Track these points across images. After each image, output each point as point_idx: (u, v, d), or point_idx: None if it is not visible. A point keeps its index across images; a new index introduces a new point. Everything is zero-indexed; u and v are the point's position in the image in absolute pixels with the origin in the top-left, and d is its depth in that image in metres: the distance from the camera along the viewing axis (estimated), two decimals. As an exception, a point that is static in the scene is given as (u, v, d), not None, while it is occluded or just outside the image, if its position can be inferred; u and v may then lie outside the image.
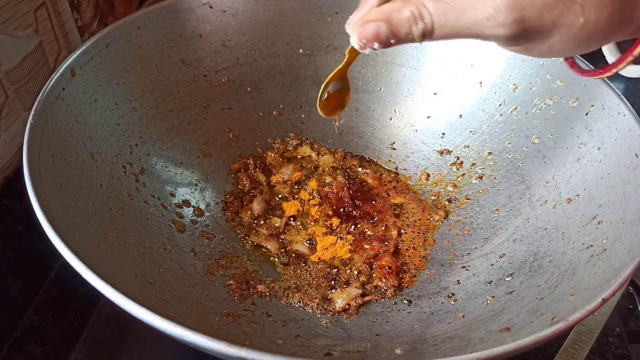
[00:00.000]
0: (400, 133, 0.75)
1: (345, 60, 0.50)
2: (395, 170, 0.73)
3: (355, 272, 0.61)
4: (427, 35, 0.40)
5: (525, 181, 0.63)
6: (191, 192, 0.66)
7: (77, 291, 0.60)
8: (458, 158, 0.70)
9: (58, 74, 0.55)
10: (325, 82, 0.53)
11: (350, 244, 0.64)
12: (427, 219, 0.68)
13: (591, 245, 0.50)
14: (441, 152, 0.72)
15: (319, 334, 0.54)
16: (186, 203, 0.65)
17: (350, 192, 0.68)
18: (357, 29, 0.41)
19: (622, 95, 0.56)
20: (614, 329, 0.58)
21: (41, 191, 0.45)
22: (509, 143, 0.66)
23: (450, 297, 0.57)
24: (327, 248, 0.63)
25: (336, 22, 0.74)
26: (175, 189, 0.65)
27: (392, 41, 0.41)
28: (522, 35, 0.38)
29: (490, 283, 0.56)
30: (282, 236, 0.65)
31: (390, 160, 0.74)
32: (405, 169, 0.73)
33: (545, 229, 0.58)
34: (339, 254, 0.63)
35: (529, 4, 0.37)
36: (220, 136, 0.72)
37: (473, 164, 0.69)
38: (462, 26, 0.38)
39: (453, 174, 0.70)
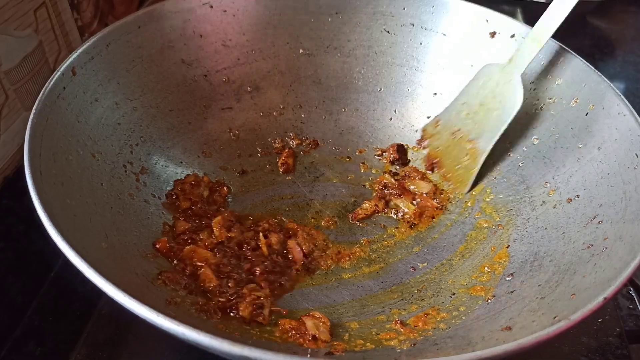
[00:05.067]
0: (400, 133, 0.75)
1: None
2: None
3: None
4: None
5: (525, 181, 0.63)
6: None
7: (77, 291, 0.60)
8: (458, 158, 0.71)
9: (59, 73, 0.55)
10: None
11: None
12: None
13: (592, 245, 0.50)
14: (441, 152, 0.72)
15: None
16: (186, 203, 0.65)
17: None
18: None
19: (622, 95, 0.57)
20: (614, 329, 0.58)
21: (42, 190, 0.45)
22: (509, 143, 0.67)
23: (452, 296, 0.57)
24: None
25: (336, 22, 0.74)
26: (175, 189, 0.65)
27: None
28: None
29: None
30: None
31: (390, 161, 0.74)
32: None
33: (546, 228, 0.58)
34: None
35: None
36: (220, 136, 0.72)
37: (473, 164, 0.69)
38: None
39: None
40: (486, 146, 0.64)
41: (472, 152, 0.64)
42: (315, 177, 0.72)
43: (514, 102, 0.62)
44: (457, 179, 0.67)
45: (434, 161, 0.68)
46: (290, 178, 0.72)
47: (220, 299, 0.54)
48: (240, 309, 0.53)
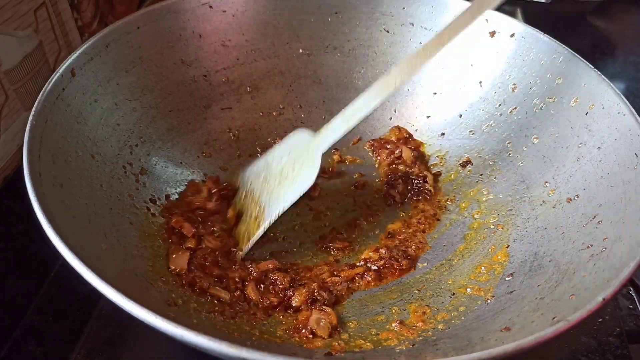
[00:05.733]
0: (400, 133, 0.75)
1: None
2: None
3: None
4: None
5: (525, 181, 0.63)
6: (191, 192, 0.66)
7: (77, 291, 0.60)
8: (458, 158, 0.70)
9: (58, 74, 0.55)
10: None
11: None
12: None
13: (591, 245, 0.50)
14: (440, 152, 0.72)
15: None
16: (186, 203, 0.65)
17: None
18: None
19: (622, 95, 0.56)
20: (614, 328, 0.58)
21: (41, 192, 0.45)
22: (509, 143, 0.66)
23: (451, 296, 0.57)
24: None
25: (336, 22, 0.74)
26: (175, 189, 0.65)
27: None
28: None
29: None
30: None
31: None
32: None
33: (545, 228, 0.58)
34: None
35: None
36: (220, 136, 0.72)
37: (473, 164, 0.69)
38: None
39: (453, 174, 0.70)
40: (270, 215, 0.60)
41: (257, 216, 0.60)
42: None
43: (307, 178, 0.60)
44: (240, 235, 0.62)
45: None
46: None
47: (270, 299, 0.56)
48: (296, 294, 0.55)
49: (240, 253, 0.60)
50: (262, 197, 0.61)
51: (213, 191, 0.65)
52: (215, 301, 0.54)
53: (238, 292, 0.56)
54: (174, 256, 0.57)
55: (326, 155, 0.73)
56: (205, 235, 0.60)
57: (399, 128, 0.74)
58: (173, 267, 0.56)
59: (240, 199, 0.65)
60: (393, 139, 0.73)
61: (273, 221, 0.60)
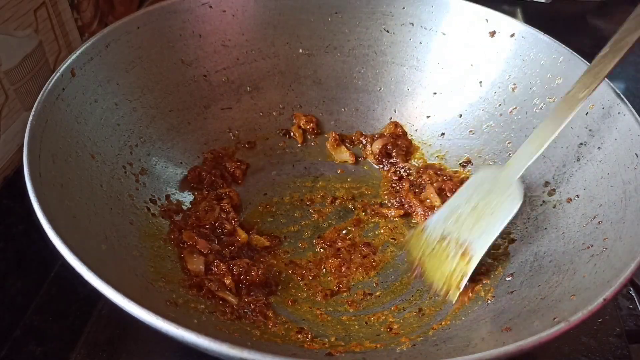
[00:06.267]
0: (400, 133, 0.75)
1: None
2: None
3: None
4: None
5: (525, 181, 0.63)
6: (191, 192, 0.66)
7: (77, 291, 0.60)
8: (458, 158, 0.70)
9: (58, 74, 0.55)
10: None
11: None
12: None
13: (591, 245, 0.50)
14: (440, 152, 0.72)
15: (321, 334, 0.54)
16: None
17: None
18: None
19: (622, 95, 0.56)
20: (614, 329, 0.58)
21: (41, 192, 0.45)
22: (509, 143, 0.66)
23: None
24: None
25: (336, 22, 0.74)
26: (175, 189, 0.65)
27: None
28: None
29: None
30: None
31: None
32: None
33: (546, 228, 0.58)
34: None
35: None
36: (220, 136, 0.72)
37: (473, 164, 0.69)
38: None
39: (453, 174, 0.70)
40: (479, 251, 0.57)
41: (464, 255, 0.58)
42: (315, 177, 0.72)
43: (511, 205, 0.57)
44: (448, 284, 0.59)
45: (417, 267, 0.62)
46: (289, 179, 0.72)
47: None
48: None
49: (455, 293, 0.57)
50: (462, 237, 0.59)
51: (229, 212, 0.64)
52: (219, 303, 0.54)
53: (248, 299, 0.56)
54: (192, 257, 0.57)
55: (327, 156, 0.74)
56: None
57: (395, 124, 0.74)
58: (192, 269, 0.56)
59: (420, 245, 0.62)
60: (387, 133, 0.74)
61: (482, 255, 0.57)
